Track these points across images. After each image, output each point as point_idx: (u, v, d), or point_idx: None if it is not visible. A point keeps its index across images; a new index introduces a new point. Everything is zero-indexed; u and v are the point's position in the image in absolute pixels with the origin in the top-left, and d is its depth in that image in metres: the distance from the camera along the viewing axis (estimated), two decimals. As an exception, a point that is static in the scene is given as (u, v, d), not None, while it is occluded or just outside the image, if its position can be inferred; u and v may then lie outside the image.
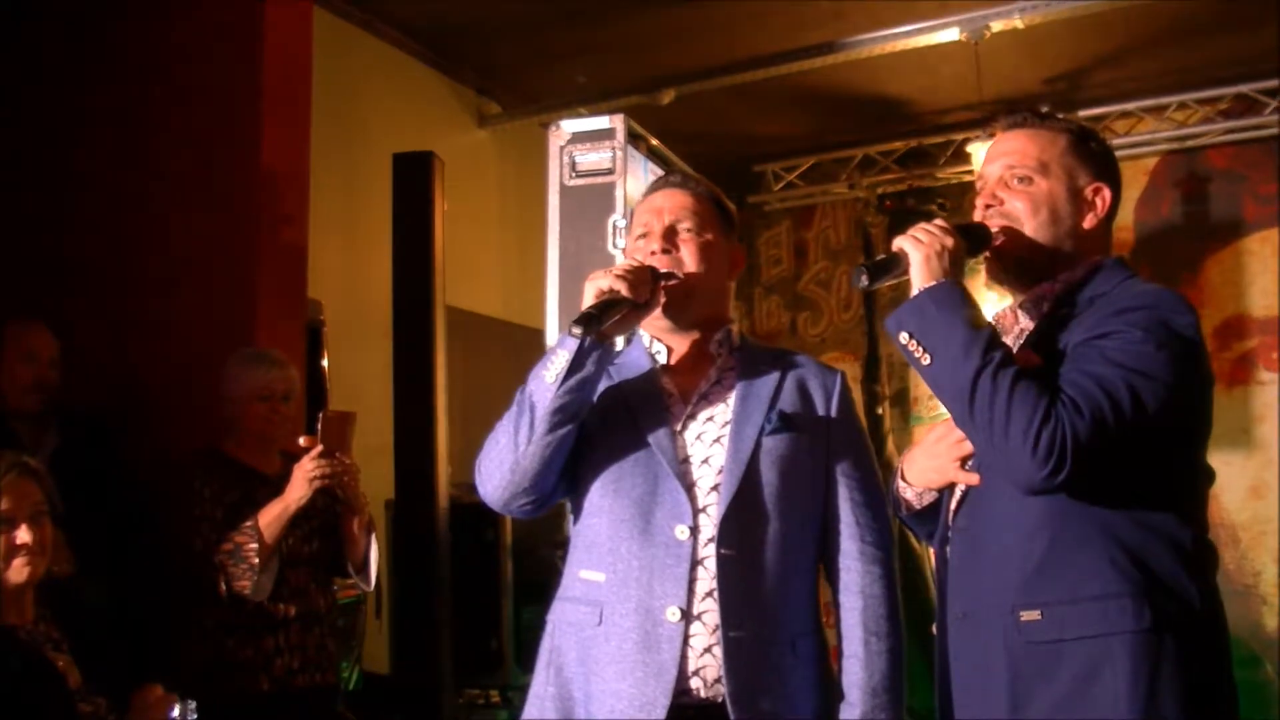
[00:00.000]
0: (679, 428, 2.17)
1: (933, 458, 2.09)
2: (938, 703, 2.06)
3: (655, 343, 2.27)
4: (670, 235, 2.21)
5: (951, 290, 1.93)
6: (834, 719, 2.11)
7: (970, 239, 2.01)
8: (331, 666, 3.54)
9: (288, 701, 3.32)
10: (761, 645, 2.06)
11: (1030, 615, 1.87)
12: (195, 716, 2.32)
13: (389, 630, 4.59)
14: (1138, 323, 1.87)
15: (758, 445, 2.12)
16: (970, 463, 2.02)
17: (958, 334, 1.88)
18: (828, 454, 2.19)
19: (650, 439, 2.14)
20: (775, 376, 2.20)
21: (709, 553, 2.06)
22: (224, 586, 3.24)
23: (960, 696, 1.98)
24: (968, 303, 1.92)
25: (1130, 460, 1.84)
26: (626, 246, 2.35)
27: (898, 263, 1.98)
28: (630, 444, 2.15)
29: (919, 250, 1.95)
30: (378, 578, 3.58)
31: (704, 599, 2.05)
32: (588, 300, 2.08)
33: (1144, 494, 1.87)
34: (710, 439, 2.15)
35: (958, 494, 2.06)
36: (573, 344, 2.06)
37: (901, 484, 2.18)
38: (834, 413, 2.20)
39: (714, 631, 2.04)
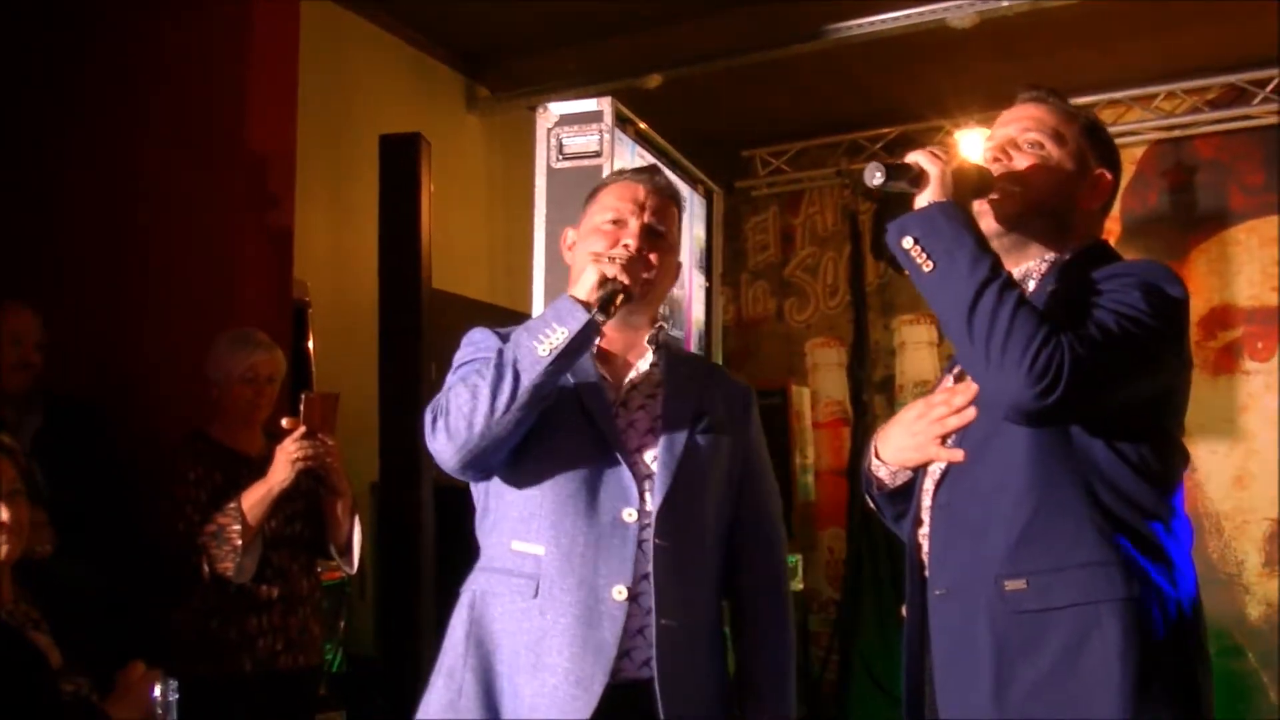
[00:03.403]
0: (613, 412, 2.19)
1: (911, 435, 2.05)
2: (905, 686, 2.05)
3: None
4: (650, 236, 2.22)
5: (960, 209, 1.92)
6: (730, 707, 2.20)
7: (979, 175, 2.01)
8: (315, 648, 3.55)
9: (270, 682, 3.33)
10: (689, 635, 2.11)
11: (1015, 585, 1.86)
12: (177, 696, 2.32)
13: (374, 613, 4.59)
14: (1132, 284, 1.88)
15: (690, 442, 2.16)
16: (951, 439, 2.00)
17: (965, 246, 1.86)
18: (744, 462, 2.27)
19: (597, 418, 2.15)
20: (698, 380, 2.27)
21: (646, 538, 2.09)
22: (207, 568, 3.25)
23: (941, 675, 1.97)
24: (975, 224, 1.92)
25: (1113, 418, 1.85)
26: (582, 222, 2.30)
27: (909, 171, 1.97)
28: (573, 421, 2.14)
29: (935, 165, 1.95)
30: (361, 560, 3.58)
31: (640, 582, 2.07)
32: (589, 278, 2.07)
33: (1123, 463, 1.87)
34: (643, 429, 2.17)
35: (936, 472, 2.04)
36: (580, 321, 2.03)
37: (875, 462, 2.15)
38: (751, 425, 2.31)
39: (647, 614, 2.06)
